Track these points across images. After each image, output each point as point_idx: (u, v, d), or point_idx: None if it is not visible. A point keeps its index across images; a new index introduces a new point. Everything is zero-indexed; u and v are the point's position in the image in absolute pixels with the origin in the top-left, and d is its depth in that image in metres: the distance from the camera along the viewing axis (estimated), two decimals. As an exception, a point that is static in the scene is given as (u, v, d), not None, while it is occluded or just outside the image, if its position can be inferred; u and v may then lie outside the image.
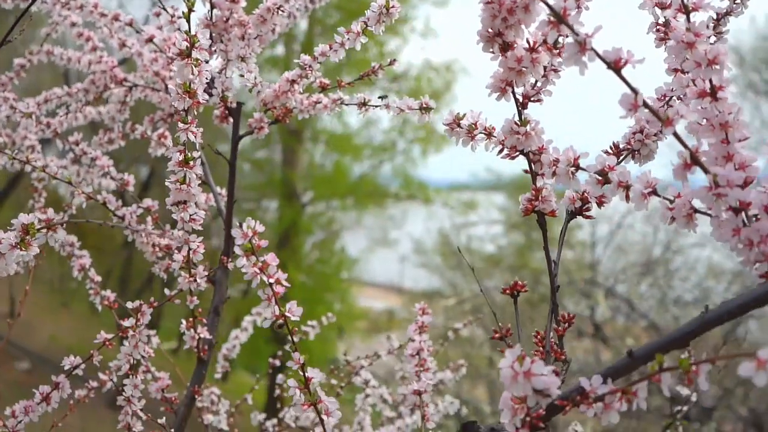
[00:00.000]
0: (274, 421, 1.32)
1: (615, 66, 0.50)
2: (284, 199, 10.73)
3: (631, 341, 5.43)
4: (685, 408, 1.12)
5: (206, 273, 0.91)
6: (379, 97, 0.94)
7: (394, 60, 0.99)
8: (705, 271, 6.94)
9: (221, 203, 1.06)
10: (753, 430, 5.72)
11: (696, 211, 0.54)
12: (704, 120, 0.55)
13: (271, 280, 0.62)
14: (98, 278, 1.09)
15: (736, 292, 6.50)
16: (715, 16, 0.74)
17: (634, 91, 0.50)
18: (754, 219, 0.52)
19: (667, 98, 0.69)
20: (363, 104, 0.94)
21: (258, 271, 0.61)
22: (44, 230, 0.66)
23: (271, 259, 0.62)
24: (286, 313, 0.63)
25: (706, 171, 0.51)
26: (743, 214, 0.51)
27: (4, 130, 1.25)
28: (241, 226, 0.61)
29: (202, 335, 0.96)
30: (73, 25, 1.18)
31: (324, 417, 0.64)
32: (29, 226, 0.65)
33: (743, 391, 5.99)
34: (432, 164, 11.47)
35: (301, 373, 0.64)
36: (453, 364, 1.48)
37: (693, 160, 0.51)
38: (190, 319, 0.95)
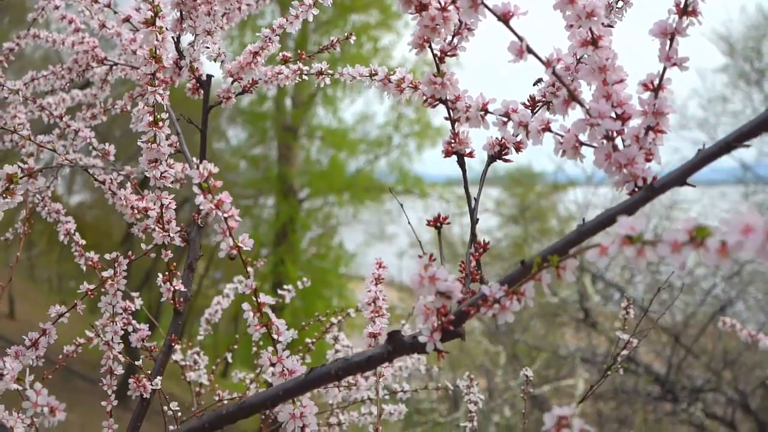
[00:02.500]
0: (252, 375, 1.41)
1: (504, 18, 0.59)
2: (281, 195, 10.82)
3: (619, 324, 5.53)
4: (625, 352, 1.22)
5: (179, 228, 1.00)
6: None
7: (351, 34, 1.08)
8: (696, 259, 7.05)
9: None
10: (741, 411, 5.83)
11: (581, 143, 0.63)
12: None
13: (226, 215, 0.71)
14: (83, 242, 1.18)
15: (723, 275, 6.60)
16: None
17: (520, 39, 0.59)
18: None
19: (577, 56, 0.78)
20: (320, 73, 1.03)
21: (214, 206, 0.70)
22: (25, 178, 0.75)
23: (225, 197, 0.71)
24: (239, 244, 0.72)
25: (582, 105, 0.60)
26: (617, 142, 0.61)
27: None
28: (198, 167, 0.70)
29: (177, 288, 1.05)
30: (56, 8, 1.26)
31: (275, 336, 0.73)
32: (12, 175, 0.74)
33: (731, 374, 6.11)
34: (427, 159, 11.57)
35: (254, 299, 0.73)
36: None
37: (571, 96, 0.60)
38: (166, 273, 1.04)
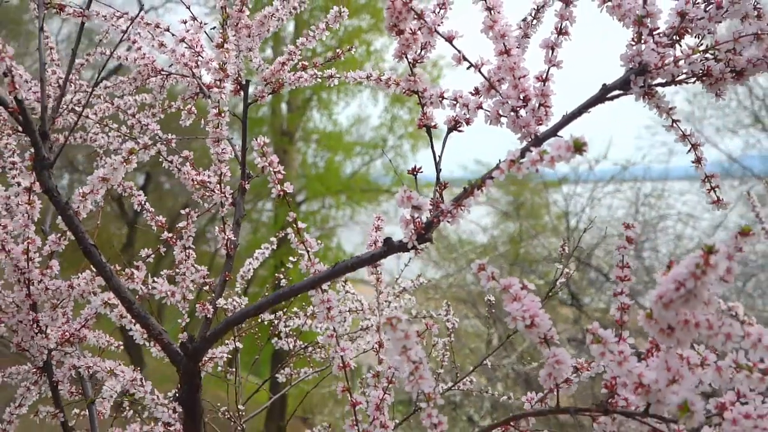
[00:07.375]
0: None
1: (449, 39, 0.97)
2: (279, 199, 11.20)
3: (603, 305, 5.92)
4: (563, 279, 1.59)
5: (232, 191, 1.38)
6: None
7: (353, 46, 1.46)
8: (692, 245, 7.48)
9: (237, 151, 1.53)
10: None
11: (500, 115, 1.01)
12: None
13: (275, 170, 1.09)
14: (152, 210, 1.55)
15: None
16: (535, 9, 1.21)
17: (459, 51, 0.97)
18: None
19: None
20: (331, 77, 1.41)
21: (267, 164, 1.08)
22: (142, 150, 1.13)
23: (275, 158, 1.09)
24: (284, 189, 1.10)
25: (497, 91, 0.98)
26: (521, 113, 0.99)
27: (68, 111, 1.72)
28: (256, 139, 1.08)
29: (229, 237, 1.43)
30: (123, 32, 1.64)
31: (309, 249, 1.11)
32: (132, 149, 1.12)
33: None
34: (422, 159, 11.96)
35: (295, 225, 1.11)
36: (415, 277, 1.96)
37: (490, 86, 0.99)
38: (221, 225, 1.42)
